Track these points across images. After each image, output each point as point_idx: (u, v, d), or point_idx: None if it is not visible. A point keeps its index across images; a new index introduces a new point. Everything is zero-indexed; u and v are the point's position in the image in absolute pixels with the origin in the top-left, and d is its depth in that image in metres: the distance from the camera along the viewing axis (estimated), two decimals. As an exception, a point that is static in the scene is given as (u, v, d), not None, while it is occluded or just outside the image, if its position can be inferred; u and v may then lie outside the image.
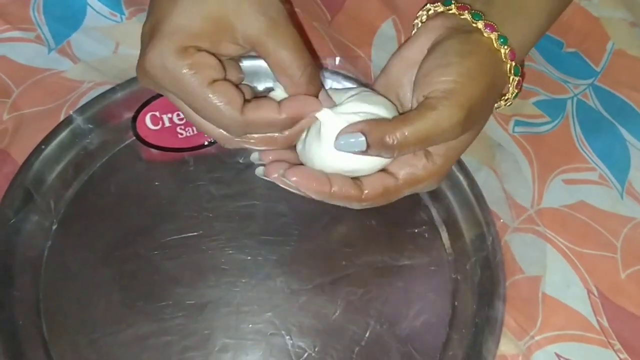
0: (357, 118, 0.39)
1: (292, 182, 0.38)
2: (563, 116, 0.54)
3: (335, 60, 0.54)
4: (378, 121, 0.38)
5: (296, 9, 0.55)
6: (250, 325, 0.43)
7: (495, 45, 0.40)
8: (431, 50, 0.40)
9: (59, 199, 0.46)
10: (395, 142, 0.37)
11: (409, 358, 0.42)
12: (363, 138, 0.37)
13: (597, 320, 0.46)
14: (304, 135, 0.41)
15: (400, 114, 0.40)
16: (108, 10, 0.55)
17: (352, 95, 0.41)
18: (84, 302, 0.43)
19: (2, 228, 0.44)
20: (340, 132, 0.38)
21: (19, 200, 0.45)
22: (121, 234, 0.45)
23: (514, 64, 0.40)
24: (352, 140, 0.38)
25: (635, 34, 0.58)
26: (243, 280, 0.44)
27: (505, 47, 0.40)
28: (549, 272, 0.47)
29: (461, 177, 0.48)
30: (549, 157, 0.52)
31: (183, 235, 0.45)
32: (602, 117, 0.54)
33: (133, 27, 0.54)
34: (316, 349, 0.42)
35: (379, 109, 0.39)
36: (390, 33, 0.57)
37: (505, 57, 0.40)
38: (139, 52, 0.53)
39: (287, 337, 0.42)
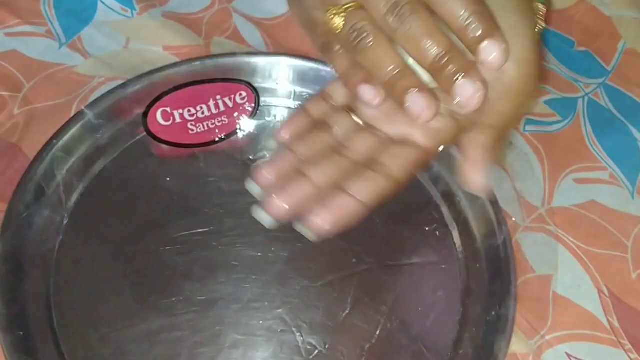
0: None
1: None
2: (574, 115, 0.54)
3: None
4: None
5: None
6: (261, 322, 0.43)
7: None
8: None
9: (70, 194, 0.46)
10: None
11: (420, 356, 0.42)
12: None
13: (608, 320, 0.46)
14: None
15: None
16: (119, 5, 0.55)
17: None
18: (94, 297, 0.43)
19: (14, 223, 0.44)
20: None
21: (30, 195, 0.45)
22: (132, 229, 0.45)
23: None
24: None
25: (646, 33, 0.58)
26: (253, 277, 0.44)
27: None
28: (559, 272, 0.47)
29: (472, 176, 0.48)
30: (560, 156, 0.52)
31: (194, 231, 0.45)
32: (613, 116, 0.54)
33: (144, 22, 0.54)
34: (327, 346, 0.42)
35: None
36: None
37: None
38: (149, 47, 0.53)
39: (298, 334, 0.42)
